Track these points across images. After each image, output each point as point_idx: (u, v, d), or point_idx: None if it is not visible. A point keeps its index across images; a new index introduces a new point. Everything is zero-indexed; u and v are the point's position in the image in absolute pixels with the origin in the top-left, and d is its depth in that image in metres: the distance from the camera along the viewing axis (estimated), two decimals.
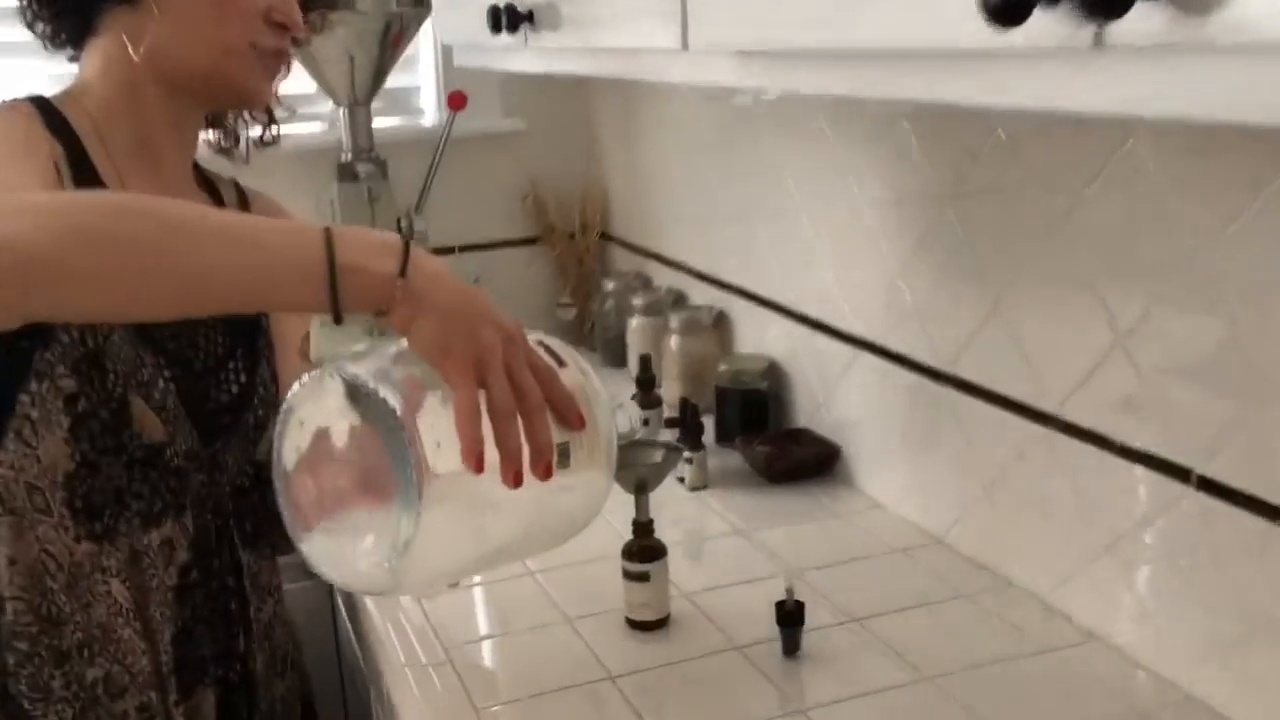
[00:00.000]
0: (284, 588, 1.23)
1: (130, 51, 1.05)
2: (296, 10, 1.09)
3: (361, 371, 0.83)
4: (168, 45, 1.05)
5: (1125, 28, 0.51)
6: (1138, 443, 1.07)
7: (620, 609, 1.20)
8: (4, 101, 1.05)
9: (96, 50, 1.07)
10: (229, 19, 1.05)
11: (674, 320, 1.82)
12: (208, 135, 1.24)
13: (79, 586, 1.05)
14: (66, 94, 1.08)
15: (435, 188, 2.06)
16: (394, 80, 2.06)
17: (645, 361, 1.66)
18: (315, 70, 1.95)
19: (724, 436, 1.66)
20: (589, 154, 2.29)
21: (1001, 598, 1.23)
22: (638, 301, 1.94)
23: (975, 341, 1.27)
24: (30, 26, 1.10)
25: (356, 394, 0.83)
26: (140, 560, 1.07)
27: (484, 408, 0.81)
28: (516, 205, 2.26)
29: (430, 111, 2.23)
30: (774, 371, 1.68)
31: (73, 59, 1.11)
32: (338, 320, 0.82)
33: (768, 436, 1.60)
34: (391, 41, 1.93)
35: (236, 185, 1.25)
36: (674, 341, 1.82)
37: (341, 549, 0.87)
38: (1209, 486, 1.00)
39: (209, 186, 1.21)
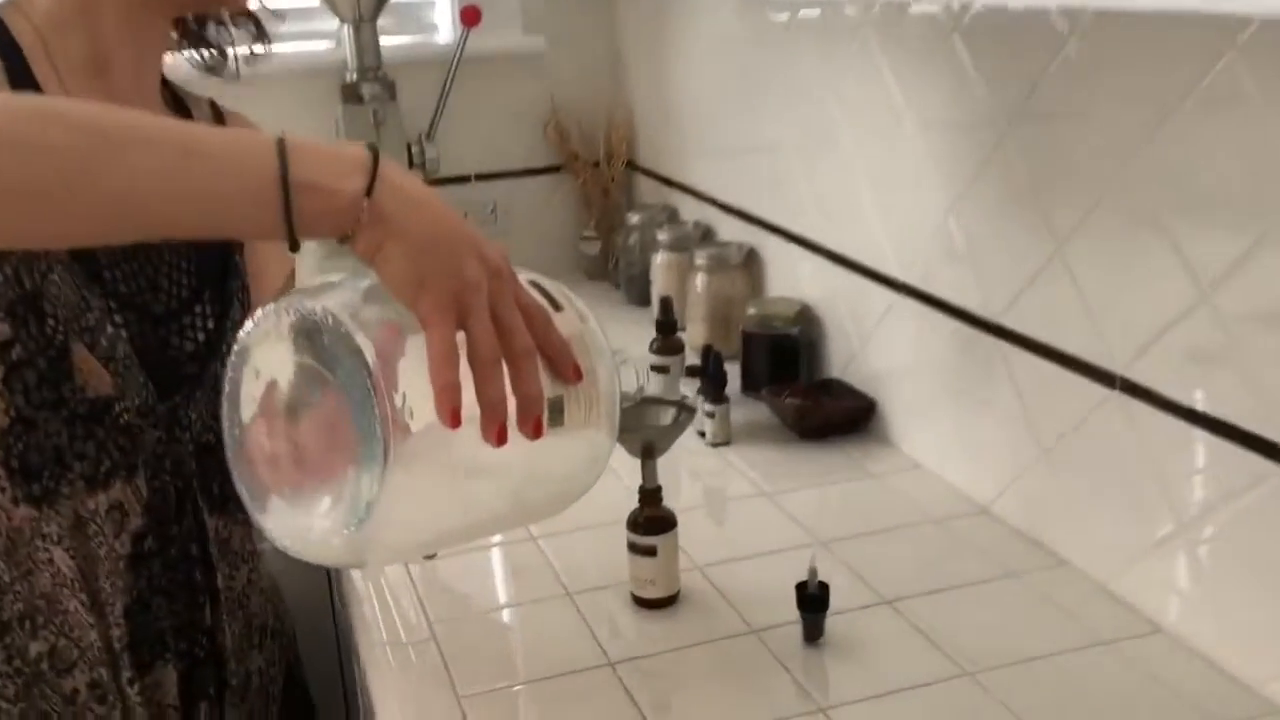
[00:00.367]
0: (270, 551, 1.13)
1: None
2: None
3: (321, 307, 0.71)
4: None
5: None
6: (1219, 411, 0.93)
7: (629, 582, 1.08)
8: None
9: None
10: None
11: (700, 257, 1.70)
12: (192, 54, 1.12)
13: (18, 553, 0.95)
14: (10, 3, 0.96)
15: (448, 112, 1.95)
16: None
17: (666, 304, 1.53)
18: None
19: (750, 386, 1.55)
20: (614, 76, 2.16)
21: (1054, 580, 1.10)
22: (663, 237, 1.83)
23: (1033, 288, 1.13)
24: None
25: (317, 334, 0.71)
26: (86, 526, 0.97)
27: (465, 355, 0.71)
28: (537, 131, 2.13)
29: (443, 28, 2.10)
30: (806, 316, 1.56)
31: None
32: (293, 247, 0.71)
33: (797, 387, 1.49)
34: None
35: (213, 105, 1.14)
36: (699, 280, 1.70)
37: (299, 517, 0.76)
38: None
39: (179, 107, 1.09)
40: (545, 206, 2.15)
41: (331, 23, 1.94)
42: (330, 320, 0.71)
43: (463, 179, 2.07)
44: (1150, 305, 0.98)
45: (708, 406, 1.40)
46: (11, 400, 0.91)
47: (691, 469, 1.37)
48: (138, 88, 1.02)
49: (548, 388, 0.75)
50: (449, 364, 0.70)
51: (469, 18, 1.86)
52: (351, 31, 1.87)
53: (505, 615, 1.09)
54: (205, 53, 1.13)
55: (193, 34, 1.12)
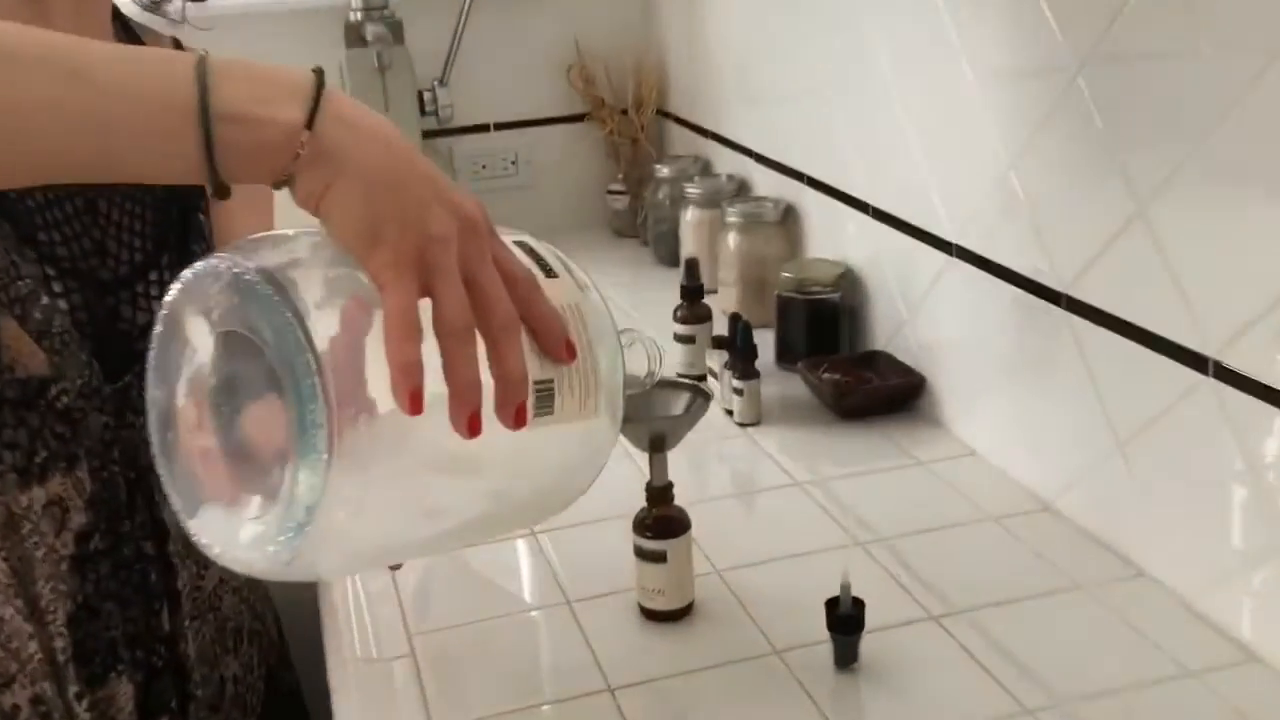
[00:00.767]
0: None
1: None
2: None
3: (256, 266, 0.58)
4: None
5: None
6: None
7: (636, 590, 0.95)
8: None
9: None
10: None
11: (731, 214, 1.55)
12: None
13: None
14: None
15: (462, 55, 1.85)
16: None
17: (692, 266, 1.39)
18: None
19: (785, 358, 1.42)
20: (645, 16, 2.03)
21: (1129, 594, 0.95)
22: (693, 191, 1.69)
23: (1108, 254, 0.98)
24: None
25: (251, 299, 0.58)
26: (19, 525, 0.86)
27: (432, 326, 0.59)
28: (560, 76, 1.99)
29: None
30: (849, 280, 1.43)
31: None
32: (219, 193, 0.59)
33: (838, 361, 1.35)
34: None
35: (176, 44, 1.02)
36: (731, 240, 1.56)
37: (231, 521, 0.64)
38: None
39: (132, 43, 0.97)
40: (569, 158, 2.04)
41: None
42: (263, 282, 0.58)
43: (480, 129, 1.97)
44: (1252, 278, 0.83)
45: (735, 382, 1.27)
46: None
47: (715, 453, 1.24)
48: (77, 16, 0.90)
49: (535, 369, 0.62)
50: (407, 335, 0.57)
51: None
52: None
53: (494, 626, 0.96)
54: None
55: None
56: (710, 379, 1.35)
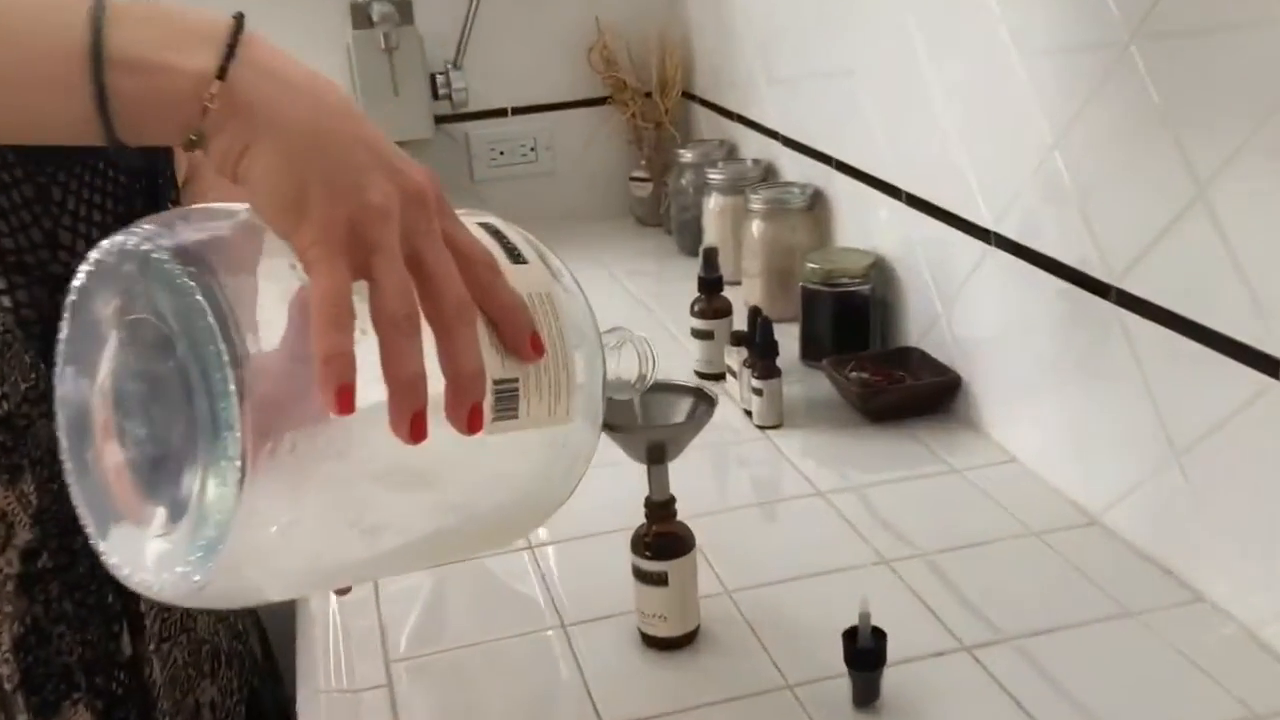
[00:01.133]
0: None
1: None
2: None
3: (171, 244, 0.50)
4: None
5: None
6: None
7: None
8: None
9: None
10: None
11: (755, 200, 1.47)
12: None
13: None
14: None
15: (477, 35, 1.78)
16: None
17: (710, 256, 1.31)
18: None
19: (810, 355, 1.33)
20: None
21: (1187, 621, 0.86)
22: (715, 177, 1.61)
23: (1164, 242, 0.89)
24: None
25: (162, 279, 0.51)
26: None
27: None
28: (581, 58, 1.92)
29: None
30: (879, 270, 1.34)
31: None
32: (119, 154, 0.53)
33: (866, 358, 1.27)
34: None
35: None
36: (755, 228, 1.47)
37: (138, 536, 0.56)
38: None
39: None
40: (591, 143, 1.97)
41: None
42: (172, 260, 0.50)
43: (497, 113, 1.90)
44: None
45: (754, 381, 1.18)
46: None
47: (730, 458, 1.15)
48: None
49: (495, 366, 0.55)
50: (335, 322, 0.50)
51: None
52: None
53: (481, 652, 0.88)
54: None
55: None
56: (729, 378, 1.26)
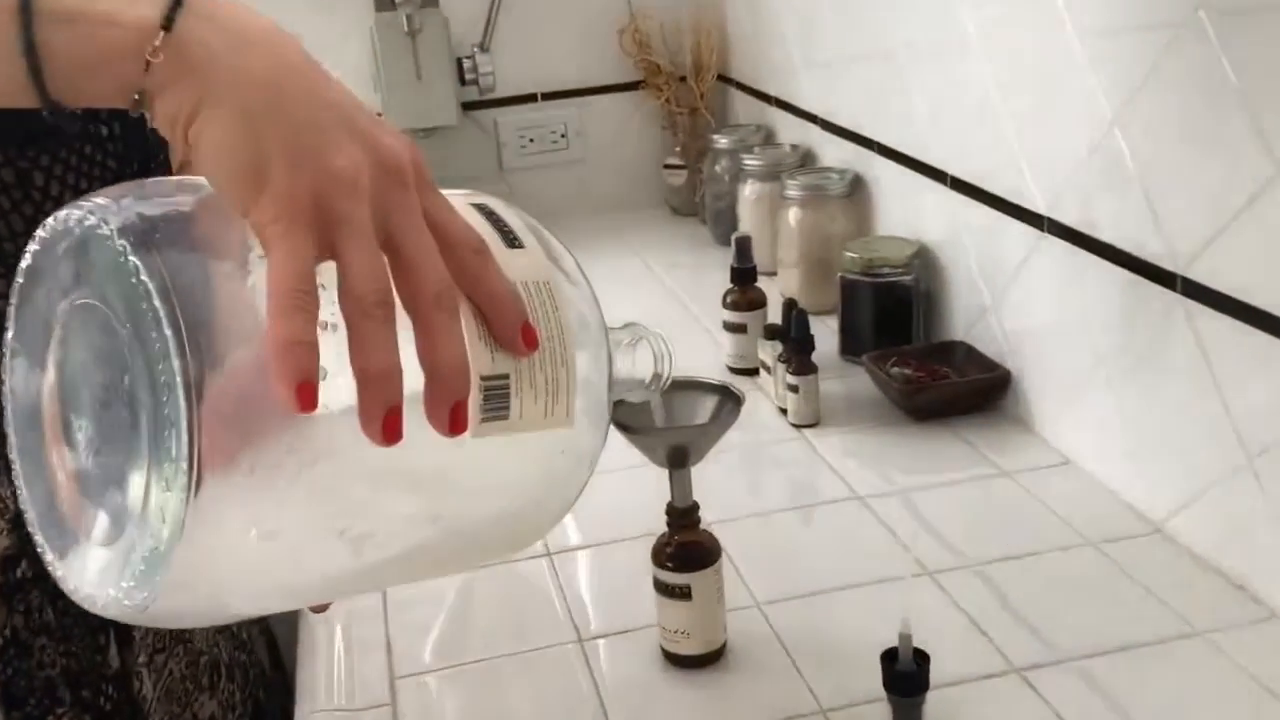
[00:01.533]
0: None
1: None
2: None
3: (121, 216, 0.45)
4: None
5: None
6: None
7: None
8: None
9: None
10: None
11: (792, 187, 1.41)
12: None
13: None
14: None
15: (505, 18, 1.75)
16: None
17: (743, 246, 1.25)
18: None
19: (850, 350, 1.28)
20: None
21: (1261, 641, 0.79)
22: (751, 163, 1.56)
23: (1235, 229, 0.82)
24: None
25: (106, 257, 0.45)
26: None
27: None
28: (612, 40, 1.87)
29: None
30: (924, 260, 1.28)
31: None
32: (50, 112, 0.48)
33: (909, 353, 1.21)
34: None
35: None
36: (792, 216, 1.42)
37: (82, 546, 0.50)
38: None
39: None
40: (623, 129, 1.92)
41: None
42: (116, 237, 0.44)
43: (527, 99, 1.86)
44: None
45: (790, 378, 1.12)
46: None
47: (764, 458, 1.09)
48: None
49: (484, 361, 0.49)
50: (296, 305, 0.44)
51: None
52: None
53: (491, 668, 0.82)
54: None
55: None
56: (763, 373, 1.20)
